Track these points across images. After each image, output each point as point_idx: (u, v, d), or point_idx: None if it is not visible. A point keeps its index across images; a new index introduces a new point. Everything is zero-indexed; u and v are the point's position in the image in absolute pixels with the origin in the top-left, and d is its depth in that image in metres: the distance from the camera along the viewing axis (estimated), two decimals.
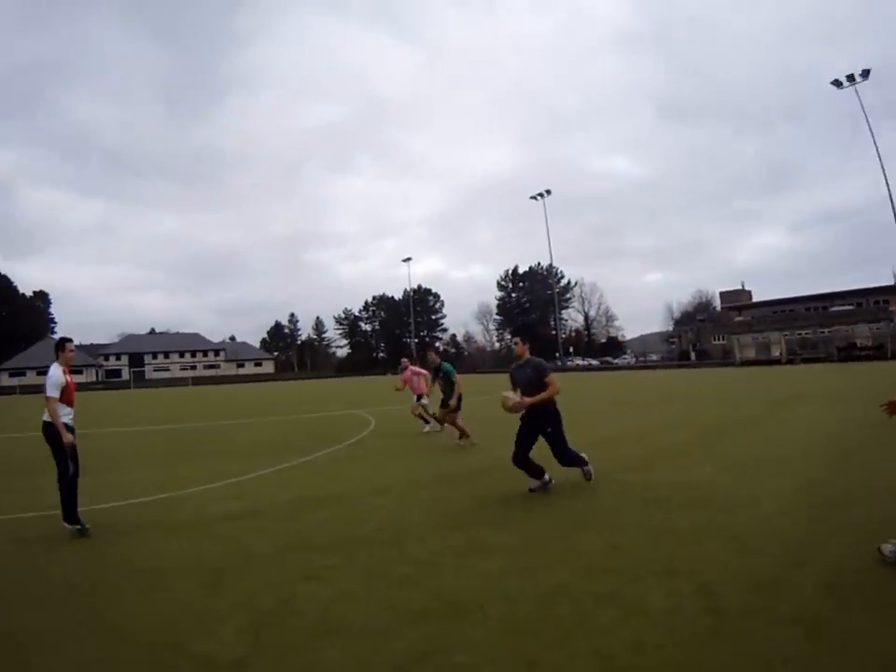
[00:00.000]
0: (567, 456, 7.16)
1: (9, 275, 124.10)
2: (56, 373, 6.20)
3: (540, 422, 7.02)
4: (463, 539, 5.68)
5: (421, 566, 5.04)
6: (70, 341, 6.58)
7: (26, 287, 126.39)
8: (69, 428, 6.20)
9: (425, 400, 13.63)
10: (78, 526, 6.28)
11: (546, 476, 7.17)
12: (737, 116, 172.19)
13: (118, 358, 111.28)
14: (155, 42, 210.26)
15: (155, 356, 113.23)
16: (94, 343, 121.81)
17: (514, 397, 6.89)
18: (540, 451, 7.30)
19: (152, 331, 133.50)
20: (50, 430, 6.14)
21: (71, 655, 3.57)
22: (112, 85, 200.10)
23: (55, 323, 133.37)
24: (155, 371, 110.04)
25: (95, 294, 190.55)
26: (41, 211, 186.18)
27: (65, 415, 6.22)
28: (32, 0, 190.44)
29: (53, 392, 6.12)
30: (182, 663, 3.43)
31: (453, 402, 11.23)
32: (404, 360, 14.35)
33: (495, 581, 4.60)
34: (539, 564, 4.94)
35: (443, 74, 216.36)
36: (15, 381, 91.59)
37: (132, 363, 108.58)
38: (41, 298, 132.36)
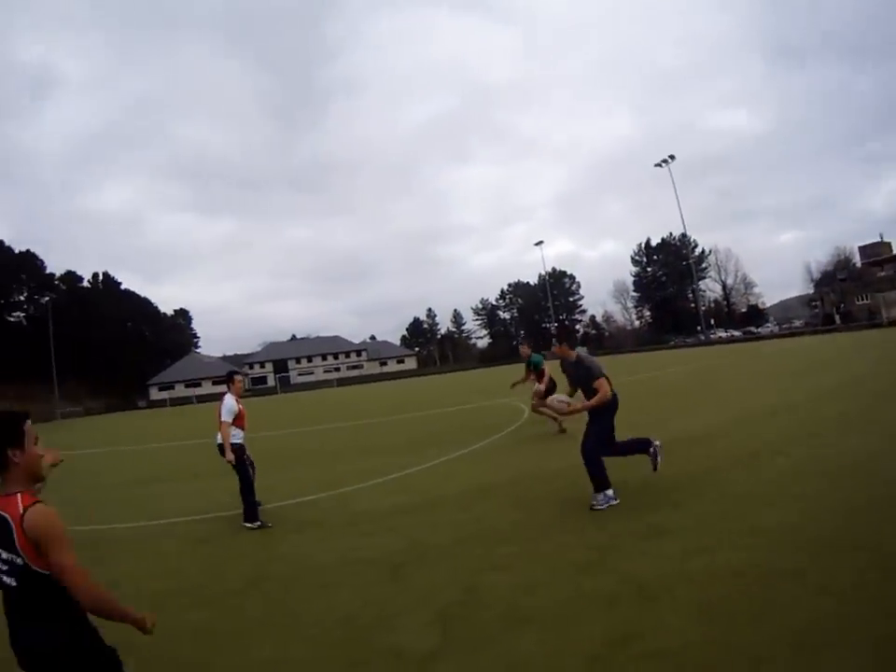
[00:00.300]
0: (588, 454, 6.49)
1: (150, 298, 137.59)
2: (230, 402, 7.42)
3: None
4: (640, 522, 5.53)
5: (603, 550, 4.95)
6: (238, 373, 7.94)
7: (167, 306, 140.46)
8: (241, 448, 7.37)
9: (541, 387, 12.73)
10: (258, 523, 7.25)
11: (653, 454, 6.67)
12: (854, 52, 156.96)
13: (262, 366, 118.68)
14: (254, 64, 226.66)
15: (298, 360, 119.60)
16: (238, 353, 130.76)
17: (563, 403, 6.77)
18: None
19: (293, 338, 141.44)
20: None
21: (255, 654, 3.79)
22: (222, 110, 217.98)
23: (198, 338, 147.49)
24: (299, 375, 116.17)
25: (235, 307, 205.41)
26: (173, 235, 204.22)
27: (238, 437, 7.41)
28: (135, 41, 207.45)
29: (227, 417, 7.32)
30: (373, 658, 3.53)
31: (541, 388, 11.48)
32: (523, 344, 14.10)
33: (678, 563, 4.45)
34: (717, 544, 4.74)
35: (542, 48, 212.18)
36: (165, 394, 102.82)
37: (276, 369, 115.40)
38: (182, 315, 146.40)
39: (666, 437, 7.35)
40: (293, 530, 6.80)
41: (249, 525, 7.23)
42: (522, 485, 7.52)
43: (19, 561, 2.27)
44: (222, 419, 7.35)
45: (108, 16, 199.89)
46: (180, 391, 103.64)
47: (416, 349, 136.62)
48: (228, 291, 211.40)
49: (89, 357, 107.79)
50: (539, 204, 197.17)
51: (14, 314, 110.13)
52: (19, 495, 2.32)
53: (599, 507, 6.23)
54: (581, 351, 9.57)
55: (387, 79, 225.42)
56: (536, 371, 12.17)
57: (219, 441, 7.42)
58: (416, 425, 16.13)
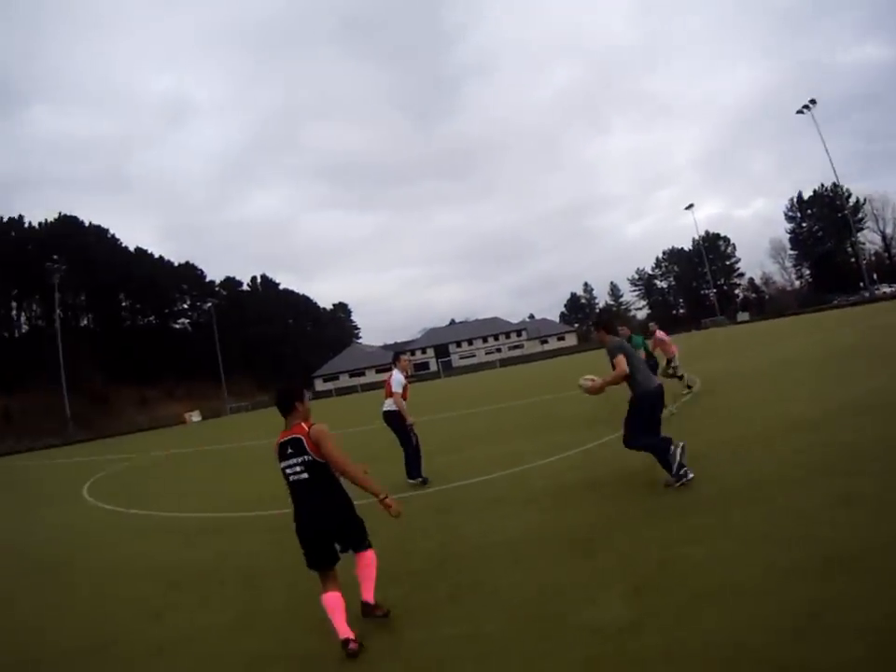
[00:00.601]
0: (631, 442, 6.63)
1: (309, 294, 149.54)
2: (399, 377, 9.22)
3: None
4: (831, 490, 5.23)
5: (793, 521, 4.75)
6: (403, 353, 10.08)
7: (326, 301, 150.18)
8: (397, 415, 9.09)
9: (676, 363, 14.41)
10: (420, 479, 9.07)
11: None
12: None
13: (423, 352, 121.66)
14: (379, 62, 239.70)
15: (459, 344, 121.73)
16: (398, 341, 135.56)
17: (588, 381, 6.85)
18: None
19: (452, 322, 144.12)
20: (391, 416, 9.17)
21: (447, 630, 3.94)
22: (356, 109, 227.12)
23: (358, 329, 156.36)
24: (461, 358, 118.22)
25: (392, 296, 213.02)
26: (326, 232, 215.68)
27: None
28: (261, 59, 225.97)
29: (398, 389, 9.10)
30: (568, 632, 3.59)
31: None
32: (652, 324, 15.43)
33: (870, 531, 4.19)
34: None
35: (659, 5, 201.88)
36: (330, 385, 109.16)
37: (437, 354, 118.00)
38: (342, 309, 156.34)
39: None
40: (475, 509, 7.04)
41: (412, 480, 9.05)
42: (705, 457, 7.30)
43: (308, 458, 4.19)
44: (393, 390, 9.12)
45: (231, 41, 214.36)
46: (344, 381, 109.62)
47: (576, 325, 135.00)
48: (384, 282, 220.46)
49: (254, 355, 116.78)
50: (684, 167, 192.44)
51: (179, 321, 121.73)
52: (302, 423, 4.34)
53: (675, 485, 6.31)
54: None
55: (513, 56, 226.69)
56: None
57: (385, 408, 9.24)
58: (586, 400, 15.94)
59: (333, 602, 4.00)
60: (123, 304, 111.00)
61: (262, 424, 36.14)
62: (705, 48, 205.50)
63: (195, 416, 76.66)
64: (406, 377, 9.41)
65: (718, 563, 4.20)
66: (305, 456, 4.18)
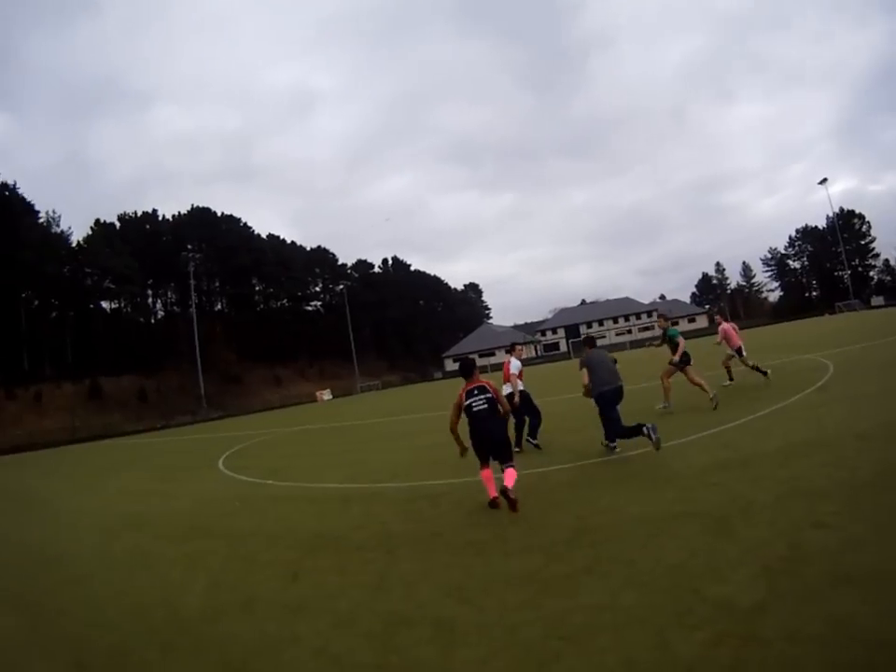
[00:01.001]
0: (608, 435, 9.24)
1: (440, 275, 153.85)
2: (516, 363, 10.92)
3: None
4: None
5: None
6: (518, 343, 11.95)
7: (457, 282, 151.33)
8: (522, 393, 10.59)
9: (731, 352, 15.08)
10: (535, 442, 10.73)
11: (645, 429, 8.16)
12: None
13: (554, 332, 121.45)
14: (499, 40, 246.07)
15: (589, 325, 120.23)
16: (529, 321, 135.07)
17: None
18: None
19: (583, 302, 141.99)
20: (511, 398, 10.20)
21: (584, 599, 4.09)
22: (479, 89, 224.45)
23: (489, 309, 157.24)
24: None
25: (522, 276, 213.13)
26: (456, 214, 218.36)
27: (520, 386, 10.65)
28: (380, 47, 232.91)
29: (515, 371, 10.77)
30: (700, 607, 3.68)
31: (675, 359, 12.58)
32: (717, 316, 17.05)
33: None
34: None
35: None
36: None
37: (567, 335, 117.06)
38: (472, 289, 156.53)
39: None
40: (611, 484, 7.22)
41: (518, 448, 10.14)
42: (837, 443, 7.30)
43: (490, 396, 7.18)
44: (511, 372, 10.75)
45: (350, 30, 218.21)
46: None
47: (706, 306, 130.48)
48: (514, 262, 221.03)
49: (385, 336, 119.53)
50: (816, 138, 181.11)
51: (312, 303, 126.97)
52: (482, 378, 7.35)
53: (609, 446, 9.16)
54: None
55: (634, 27, 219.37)
56: (671, 343, 12.97)
57: (507, 391, 10.39)
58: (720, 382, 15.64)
59: (487, 475, 7.11)
60: (257, 288, 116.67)
61: (392, 402, 37.24)
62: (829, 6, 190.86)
63: (326, 395, 79.25)
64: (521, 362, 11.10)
65: (848, 548, 4.16)
66: (488, 395, 7.21)
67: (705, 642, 3.28)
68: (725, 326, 15.19)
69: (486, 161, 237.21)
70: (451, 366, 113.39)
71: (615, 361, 9.51)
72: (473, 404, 7.08)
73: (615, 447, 9.00)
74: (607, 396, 8.88)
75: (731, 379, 15.19)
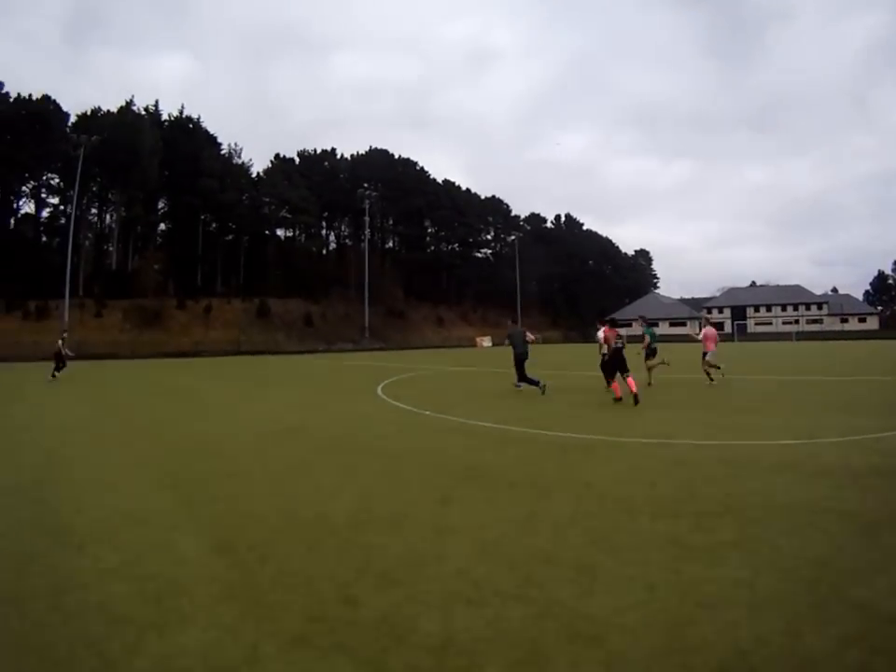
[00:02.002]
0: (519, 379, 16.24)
1: (611, 238, 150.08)
2: (600, 334, 14.48)
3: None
4: None
5: None
6: (605, 322, 14.93)
7: (628, 247, 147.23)
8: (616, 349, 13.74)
9: (709, 357, 17.40)
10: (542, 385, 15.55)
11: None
12: None
13: (720, 311, 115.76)
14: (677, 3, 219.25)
15: (757, 309, 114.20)
16: (696, 296, 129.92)
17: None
18: None
19: (752, 284, 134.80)
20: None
21: (725, 572, 3.98)
22: (657, 54, 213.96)
23: (657, 279, 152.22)
24: (756, 324, 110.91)
25: (693, 249, 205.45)
26: (631, 178, 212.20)
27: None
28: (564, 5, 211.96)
29: (601, 338, 14.48)
30: (837, 605, 3.51)
31: (651, 362, 17.53)
32: (703, 320, 20.57)
33: None
34: None
35: None
36: (622, 331, 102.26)
37: (734, 316, 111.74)
38: (643, 256, 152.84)
39: None
40: (763, 469, 6.98)
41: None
42: None
43: (624, 337, 13.94)
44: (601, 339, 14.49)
45: None
46: (636, 330, 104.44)
47: (879, 308, 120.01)
48: (687, 233, 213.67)
49: (551, 292, 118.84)
50: None
51: (482, 250, 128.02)
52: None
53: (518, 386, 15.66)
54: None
55: (816, 1, 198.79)
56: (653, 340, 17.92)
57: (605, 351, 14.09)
58: (888, 389, 14.63)
59: (615, 386, 12.99)
60: (429, 231, 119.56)
61: (552, 357, 37.12)
62: None
63: (486, 342, 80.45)
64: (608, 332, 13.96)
65: None
66: (622, 338, 13.30)
67: (836, 640, 3.11)
68: (707, 330, 17.85)
69: (664, 128, 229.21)
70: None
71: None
72: (617, 342, 13.27)
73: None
74: (519, 356, 16.20)
75: (711, 379, 17.24)
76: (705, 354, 17.29)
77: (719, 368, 17.14)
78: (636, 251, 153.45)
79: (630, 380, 12.72)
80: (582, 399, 14.59)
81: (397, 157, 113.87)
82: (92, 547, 4.59)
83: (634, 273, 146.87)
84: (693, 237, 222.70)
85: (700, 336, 17.88)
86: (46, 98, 78.80)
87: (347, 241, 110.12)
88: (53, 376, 23.90)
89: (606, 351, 13.64)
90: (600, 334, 14.45)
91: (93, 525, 5.15)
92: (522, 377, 15.83)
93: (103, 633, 3.25)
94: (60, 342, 25.08)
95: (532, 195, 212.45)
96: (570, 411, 12.55)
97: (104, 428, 11.20)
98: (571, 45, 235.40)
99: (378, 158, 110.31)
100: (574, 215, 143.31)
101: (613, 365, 13.07)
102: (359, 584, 3.82)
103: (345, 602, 3.56)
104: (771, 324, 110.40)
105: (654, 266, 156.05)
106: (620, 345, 13.26)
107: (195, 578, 3.97)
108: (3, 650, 3.13)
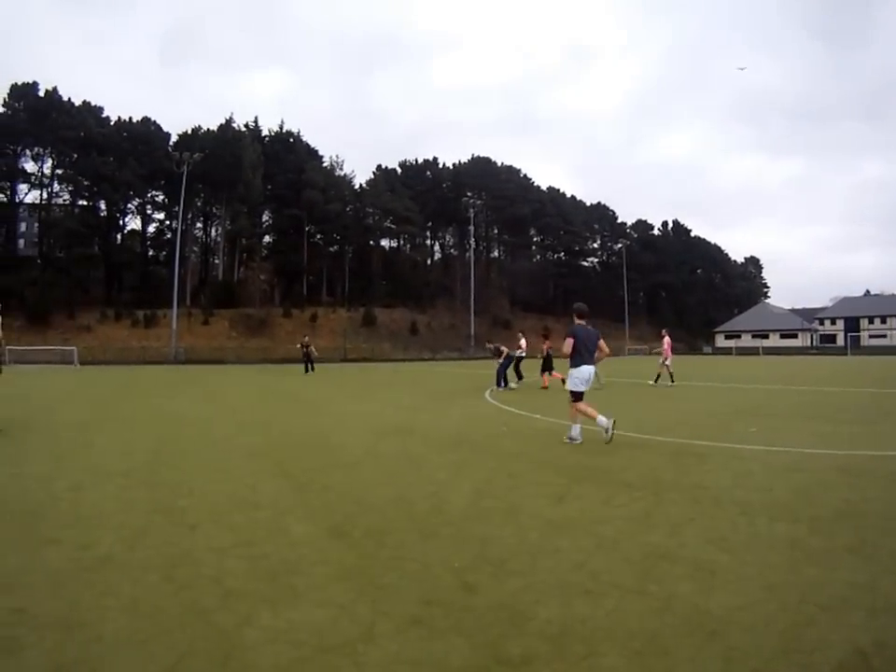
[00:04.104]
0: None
1: (720, 244, 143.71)
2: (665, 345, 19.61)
3: None
4: None
5: None
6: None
7: (737, 254, 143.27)
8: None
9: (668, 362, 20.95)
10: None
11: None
12: None
13: (832, 323, 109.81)
14: None
15: (871, 320, 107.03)
16: (807, 306, 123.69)
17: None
18: None
19: (867, 293, 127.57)
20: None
21: (842, 575, 3.85)
22: (761, 36, 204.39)
23: (767, 287, 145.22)
24: (871, 337, 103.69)
25: (804, 255, 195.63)
26: (739, 179, 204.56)
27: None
28: None
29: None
30: None
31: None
32: (664, 331, 22.04)
33: None
34: None
35: None
36: (731, 343, 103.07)
37: (847, 328, 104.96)
38: (752, 264, 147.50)
39: None
40: (882, 478, 6.72)
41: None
42: None
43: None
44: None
45: None
46: (746, 341, 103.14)
47: None
48: (797, 238, 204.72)
49: (657, 302, 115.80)
50: None
51: (588, 259, 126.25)
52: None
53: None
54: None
55: None
56: None
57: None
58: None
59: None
60: (534, 239, 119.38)
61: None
62: None
63: None
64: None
65: None
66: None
67: None
68: (666, 340, 20.97)
69: (773, 121, 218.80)
70: (722, 342, 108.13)
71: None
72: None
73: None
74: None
75: (672, 381, 20.67)
76: (664, 361, 20.89)
77: (671, 374, 20.76)
78: (745, 258, 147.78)
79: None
80: (688, 406, 14.62)
81: (500, 164, 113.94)
82: (206, 527, 4.75)
83: (743, 282, 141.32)
84: (804, 241, 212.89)
85: (664, 346, 20.99)
86: (146, 120, 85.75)
87: (452, 250, 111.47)
88: (308, 371, 31.03)
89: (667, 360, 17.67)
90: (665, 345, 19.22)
91: (206, 507, 5.34)
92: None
93: (214, 604, 3.33)
94: (299, 345, 32.65)
95: (638, 200, 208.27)
96: (679, 417, 12.39)
97: (214, 423, 11.62)
98: (669, 38, 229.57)
99: (481, 166, 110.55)
100: (681, 220, 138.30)
101: None
102: (476, 572, 3.83)
103: (462, 588, 3.57)
104: (885, 336, 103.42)
105: (765, 274, 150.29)
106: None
107: (309, 559, 4.04)
108: (113, 612, 3.21)
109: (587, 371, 8.77)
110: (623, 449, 8.42)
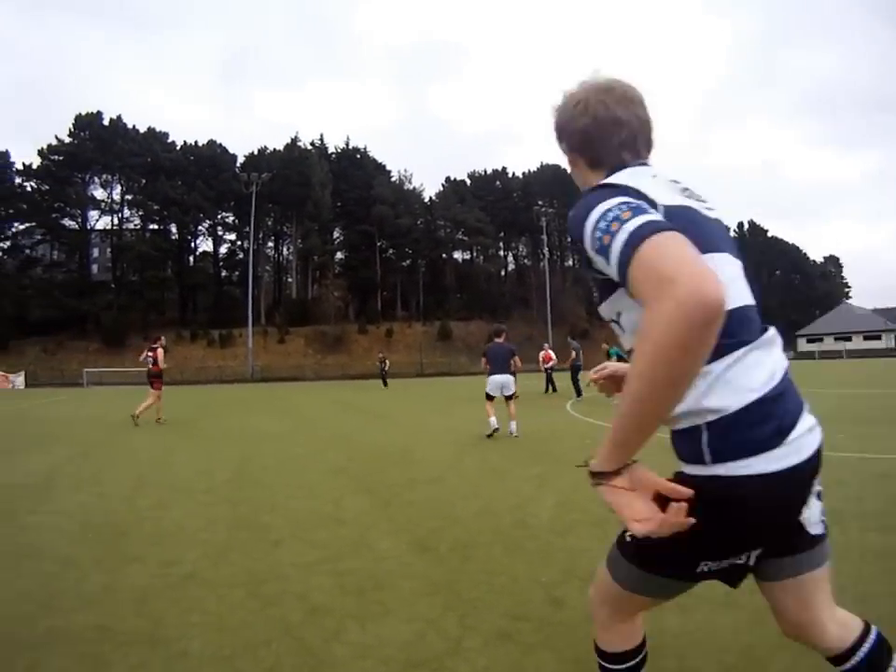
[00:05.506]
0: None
1: (798, 244, 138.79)
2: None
3: None
4: None
5: None
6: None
7: (816, 253, 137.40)
8: None
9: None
10: None
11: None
12: None
13: None
14: None
15: None
16: (889, 306, 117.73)
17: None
18: None
19: None
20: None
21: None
22: (836, 29, 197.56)
23: (849, 287, 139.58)
24: None
25: (888, 252, 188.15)
26: (815, 174, 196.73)
27: None
28: None
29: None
30: None
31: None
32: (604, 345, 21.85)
33: None
34: None
35: None
36: (813, 347, 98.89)
37: None
38: (833, 263, 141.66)
39: None
40: None
41: None
42: None
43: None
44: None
45: None
46: (829, 344, 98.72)
47: None
48: (878, 235, 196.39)
49: None
50: None
51: None
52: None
53: None
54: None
55: None
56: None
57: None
58: None
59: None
60: None
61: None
62: None
63: None
64: None
65: None
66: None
67: None
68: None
69: (846, 114, 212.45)
70: (804, 346, 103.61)
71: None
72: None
73: None
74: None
75: None
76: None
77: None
78: (825, 258, 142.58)
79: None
80: None
81: (569, 171, 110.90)
82: (290, 543, 4.78)
83: (824, 283, 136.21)
84: (887, 237, 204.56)
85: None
86: (212, 142, 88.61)
87: (526, 261, 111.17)
88: (385, 385, 33.68)
89: None
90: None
91: (290, 523, 5.37)
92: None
93: (301, 620, 3.34)
94: (378, 361, 36.36)
95: (718, 198, 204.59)
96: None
97: (295, 439, 11.73)
98: (735, 32, 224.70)
99: (550, 173, 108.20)
100: (757, 221, 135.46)
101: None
102: (565, 586, 3.77)
103: (550, 602, 3.53)
104: None
105: (845, 273, 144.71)
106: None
107: (395, 574, 4.04)
108: (198, 628, 3.25)
109: (496, 380, 11.50)
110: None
